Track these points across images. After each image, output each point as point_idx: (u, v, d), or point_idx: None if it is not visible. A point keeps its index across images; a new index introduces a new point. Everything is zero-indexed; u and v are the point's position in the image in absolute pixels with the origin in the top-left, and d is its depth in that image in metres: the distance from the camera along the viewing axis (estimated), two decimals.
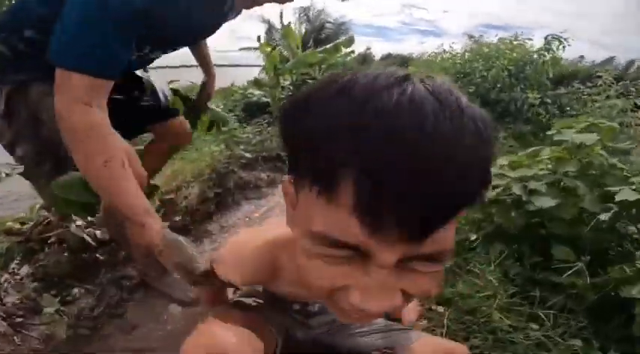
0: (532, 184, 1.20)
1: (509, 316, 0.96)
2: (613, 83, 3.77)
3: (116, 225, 0.95)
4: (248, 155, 2.19)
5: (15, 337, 1.05)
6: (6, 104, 0.83)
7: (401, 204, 0.28)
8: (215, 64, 1.58)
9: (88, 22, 0.64)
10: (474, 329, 0.96)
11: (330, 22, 12.76)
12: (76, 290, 1.19)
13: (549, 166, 1.24)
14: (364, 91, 0.30)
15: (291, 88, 3.20)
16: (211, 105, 1.53)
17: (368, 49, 13.20)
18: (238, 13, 1.01)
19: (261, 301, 0.79)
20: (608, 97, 3.30)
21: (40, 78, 0.78)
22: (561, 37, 4.24)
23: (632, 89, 3.83)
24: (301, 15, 12.86)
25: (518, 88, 4.03)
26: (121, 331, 1.08)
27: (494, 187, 1.30)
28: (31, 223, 1.40)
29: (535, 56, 4.40)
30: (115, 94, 0.76)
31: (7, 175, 1.17)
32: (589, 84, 4.03)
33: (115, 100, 0.87)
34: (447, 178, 0.28)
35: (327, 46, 3.43)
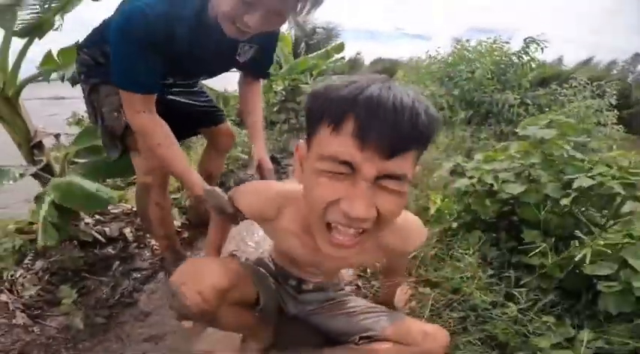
0: (502, 175, 1.37)
1: (488, 295, 1.10)
2: (588, 84, 4.03)
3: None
4: (245, 157, 2.33)
5: (34, 328, 1.15)
6: (87, 98, 1.12)
7: (379, 132, 0.50)
8: None
9: (122, 57, 0.89)
10: (457, 307, 1.10)
11: (320, 28, 12.92)
12: (89, 282, 1.29)
13: (518, 159, 1.40)
14: (363, 82, 0.53)
15: (284, 93, 3.33)
16: None
17: (358, 53, 13.36)
18: (252, 47, 1.09)
19: (270, 267, 1.01)
20: (584, 97, 3.54)
21: (106, 82, 1.02)
22: (538, 39, 4.51)
23: (608, 90, 4.10)
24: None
25: (496, 90, 4.26)
26: (136, 318, 1.19)
27: (470, 178, 1.46)
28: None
29: (515, 59, 4.64)
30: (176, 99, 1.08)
31: (21, 175, 1.28)
32: (565, 85, 4.28)
33: (175, 104, 1.18)
34: (405, 123, 0.50)
35: (319, 52, 3.60)
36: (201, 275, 0.74)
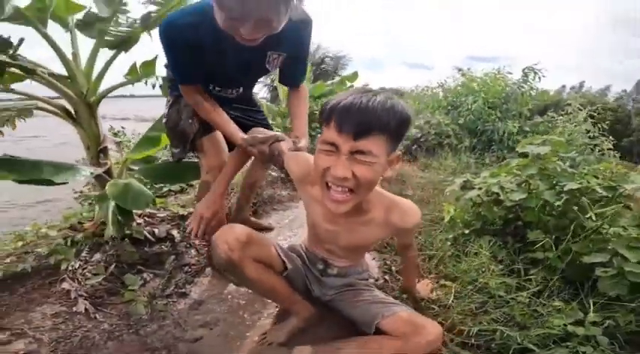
0: (506, 185, 1.62)
1: (502, 286, 1.31)
2: (581, 109, 4.39)
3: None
4: (274, 174, 2.59)
5: (97, 315, 1.31)
6: (170, 106, 1.42)
7: (348, 123, 0.81)
8: None
9: (167, 57, 1.20)
10: (476, 295, 1.30)
11: (329, 57, 13.60)
12: (145, 275, 1.49)
13: (518, 173, 1.66)
14: (347, 95, 0.86)
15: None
16: None
17: (366, 84, 14.01)
18: (280, 56, 1.25)
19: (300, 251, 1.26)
20: (575, 123, 3.88)
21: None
22: (536, 69, 4.93)
23: (601, 112, 4.46)
24: None
25: (498, 119, 4.63)
26: (190, 307, 1.37)
27: (479, 189, 1.71)
28: (93, 221, 1.71)
29: (515, 88, 5.06)
30: (233, 112, 1.37)
31: (91, 174, 1.51)
32: (562, 112, 4.66)
33: (236, 112, 1.44)
34: (365, 117, 0.81)
35: (334, 80, 3.98)
36: (229, 231, 1.00)
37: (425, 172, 3.56)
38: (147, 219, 1.76)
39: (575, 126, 3.94)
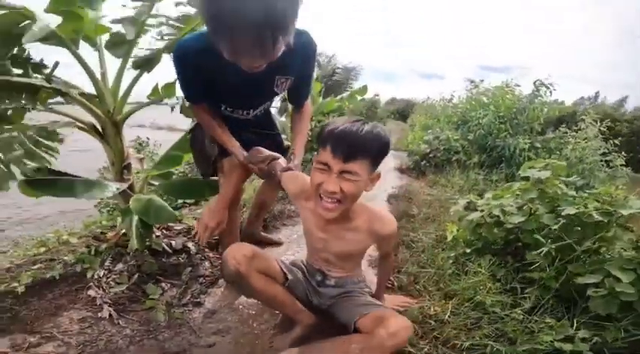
0: (507, 208, 1.72)
1: (497, 303, 1.40)
2: (594, 124, 4.37)
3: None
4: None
5: (120, 321, 1.44)
6: (194, 130, 1.59)
7: (340, 149, 1.01)
8: None
9: (177, 77, 1.30)
10: (472, 312, 1.39)
11: (340, 68, 13.75)
12: (163, 284, 1.62)
13: (520, 196, 1.75)
14: (341, 122, 1.06)
15: (310, 133, 3.77)
16: None
17: (376, 95, 14.06)
18: (288, 79, 1.33)
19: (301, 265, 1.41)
20: (585, 140, 3.90)
21: None
22: (547, 82, 4.94)
23: (608, 128, 4.44)
24: None
25: (508, 135, 4.66)
26: (204, 316, 1.49)
27: (481, 211, 1.80)
28: (115, 232, 1.86)
29: (526, 102, 5.06)
30: (253, 130, 1.52)
31: (117, 189, 1.65)
32: (574, 127, 4.67)
33: (248, 140, 1.51)
34: (353, 144, 1.01)
35: (343, 94, 4.13)
36: (237, 248, 1.17)
37: (432, 188, 3.64)
38: (164, 231, 1.90)
39: (587, 142, 3.97)
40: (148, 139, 5.26)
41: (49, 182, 1.46)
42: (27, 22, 1.28)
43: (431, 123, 6.86)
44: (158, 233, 1.84)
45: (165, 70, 1.67)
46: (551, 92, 4.99)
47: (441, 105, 8.00)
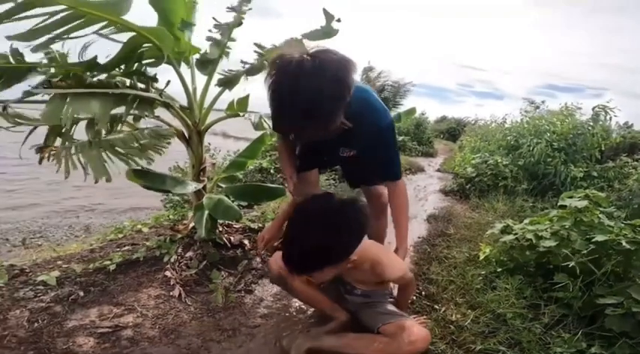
0: (542, 233, 1.84)
1: (518, 317, 1.53)
2: None
3: None
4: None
5: (187, 300, 1.77)
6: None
7: (291, 268, 1.13)
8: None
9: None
10: (493, 323, 1.54)
11: (390, 85, 13.55)
12: (222, 272, 1.96)
13: (555, 222, 1.87)
14: None
15: None
16: None
17: (423, 114, 13.88)
18: (351, 151, 1.44)
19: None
20: None
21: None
22: (608, 107, 4.73)
23: None
24: (363, 77, 13.36)
25: (562, 163, 4.53)
26: (254, 301, 1.80)
27: (515, 235, 1.94)
28: (185, 225, 2.25)
29: (585, 128, 4.88)
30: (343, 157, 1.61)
31: (195, 188, 2.03)
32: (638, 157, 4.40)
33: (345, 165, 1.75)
34: (302, 265, 1.12)
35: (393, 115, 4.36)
36: (280, 256, 1.22)
37: (474, 212, 3.70)
38: (225, 228, 2.27)
39: None
40: (218, 150, 5.81)
41: (149, 175, 1.87)
42: (146, 44, 1.67)
43: (481, 145, 6.78)
44: (221, 229, 2.20)
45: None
46: (610, 118, 4.79)
47: (494, 127, 7.87)
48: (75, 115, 1.35)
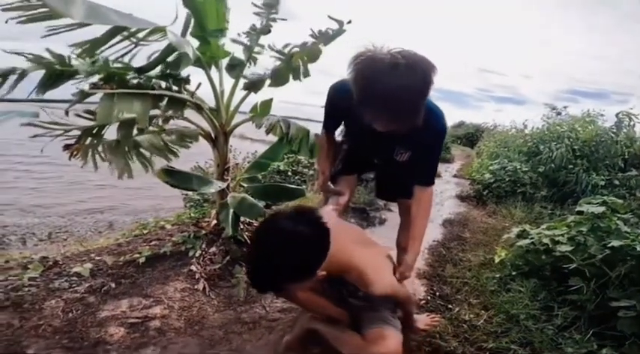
0: (558, 238, 1.88)
1: (531, 318, 1.58)
2: None
3: None
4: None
5: (210, 293, 1.89)
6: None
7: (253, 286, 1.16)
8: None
9: (325, 108, 1.52)
10: (506, 324, 1.60)
11: None
12: (244, 268, 2.06)
13: (572, 227, 1.91)
14: None
15: None
16: None
17: None
18: (406, 152, 1.40)
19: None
20: None
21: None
22: (632, 113, 4.67)
23: None
24: None
25: (582, 170, 4.48)
26: (273, 297, 1.89)
27: (531, 239, 1.99)
28: (208, 222, 2.37)
29: (610, 134, 4.81)
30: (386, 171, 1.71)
31: (219, 187, 2.14)
32: None
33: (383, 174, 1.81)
34: (261, 286, 1.12)
35: None
36: None
37: (491, 218, 3.73)
38: (247, 226, 2.38)
39: None
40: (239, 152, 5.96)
41: (177, 174, 2.01)
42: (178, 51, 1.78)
43: (500, 152, 6.72)
44: (242, 227, 2.31)
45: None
46: (634, 125, 4.71)
47: (513, 133, 7.78)
48: (120, 116, 1.48)
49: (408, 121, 1.11)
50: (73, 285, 1.84)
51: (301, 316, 1.54)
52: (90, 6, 1.33)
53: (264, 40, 2.22)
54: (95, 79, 1.59)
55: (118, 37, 1.53)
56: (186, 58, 1.65)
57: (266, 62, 2.19)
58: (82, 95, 1.47)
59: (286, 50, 2.02)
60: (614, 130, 4.82)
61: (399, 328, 1.37)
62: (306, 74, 2.03)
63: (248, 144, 7.22)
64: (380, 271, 1.27)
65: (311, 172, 4.66)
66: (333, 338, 1.40)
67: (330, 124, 1.61)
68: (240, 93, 2.18)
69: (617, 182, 4.33)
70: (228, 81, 2.18)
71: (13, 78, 1.51)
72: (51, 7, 1.24)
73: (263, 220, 1.22)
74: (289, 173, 4.36)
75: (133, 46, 1.67)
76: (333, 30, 1.86)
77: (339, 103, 1.40)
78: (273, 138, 2.32)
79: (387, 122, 1.13)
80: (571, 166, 4.64)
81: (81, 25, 1.37)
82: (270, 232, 1.10)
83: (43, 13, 1.29)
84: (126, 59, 1.75)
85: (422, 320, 1.67)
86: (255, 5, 2.22)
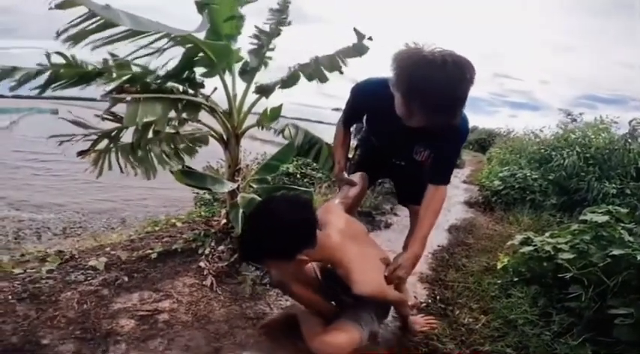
0: (561, 246, 1.91)
1: (528, 323, 1.62)
2: None
3: None
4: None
5: (217, 289, 1.96)
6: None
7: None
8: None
9: (347, 103, 1.60)
10: (503, 328, 1.64)
11: None
12: (251, 266, 2.15)
13: (575, 236, 1.94)
14: None
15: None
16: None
17: None
18: (426, 151, 1.44)
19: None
20: None
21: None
22: None
23: None
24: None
25: (595, 178, 4.45)
26: (277, 294, 1.98)
27: (534, 246, 2.02)
28: (217, 221, 2.46)
29: (621, 143, 4.75)
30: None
31: (231, 187, 2.23)
32: None
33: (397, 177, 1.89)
34: (247, 253, 1.30)
35: None
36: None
37: (498, 224, 3.74)
38: None
39: None
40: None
41: (193, 174, 2.11)
42: (200, 54, 1.88)
43: (511, 158, 6.69)
44: None
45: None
46: None
47: (526, 139, 7.73)
48: (144, 119, 1.56)
49: (449, 116, 1.14)
50: (89, 278, 1.94)
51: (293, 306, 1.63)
52: (131, 16, 1.45)
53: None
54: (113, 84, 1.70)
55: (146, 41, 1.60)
56: (216, 67, 1.74)
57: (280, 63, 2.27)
58: (114, 100, 1.56)
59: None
60: (629, 140, 4.75)
61: (369, 330, 1.40)
62: (324, 79, 2.10)
63: (258, 145, 7.34)
64: (366, 272, 1.28)
65: (319, 175, 4.74)
66: (301, 321, 1.47)
67: (350, 121, 1.69)
68: (252, 96, 2.27)
69: (628, 191, 4.28)
70: (240, 85, 2.27)
71: (44, 77, 1.60)
72: (105, 17, 1.37)
73: (264, 197, 1.30)
74: (298, 176, 4.44)
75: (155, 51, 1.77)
76: (354, 44, 1.93)
77: (365, 100, 1.46)
78: (283, 139, 2.41)
79: (430, 116, 1.13)
80: (582, 174, 4.59)
81: (134, 33, 1.49)
82: (262, 210, 1.22)
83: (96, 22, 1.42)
84: (140, 61, 1.79)
85: (419, 322, 1.72)
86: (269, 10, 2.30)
